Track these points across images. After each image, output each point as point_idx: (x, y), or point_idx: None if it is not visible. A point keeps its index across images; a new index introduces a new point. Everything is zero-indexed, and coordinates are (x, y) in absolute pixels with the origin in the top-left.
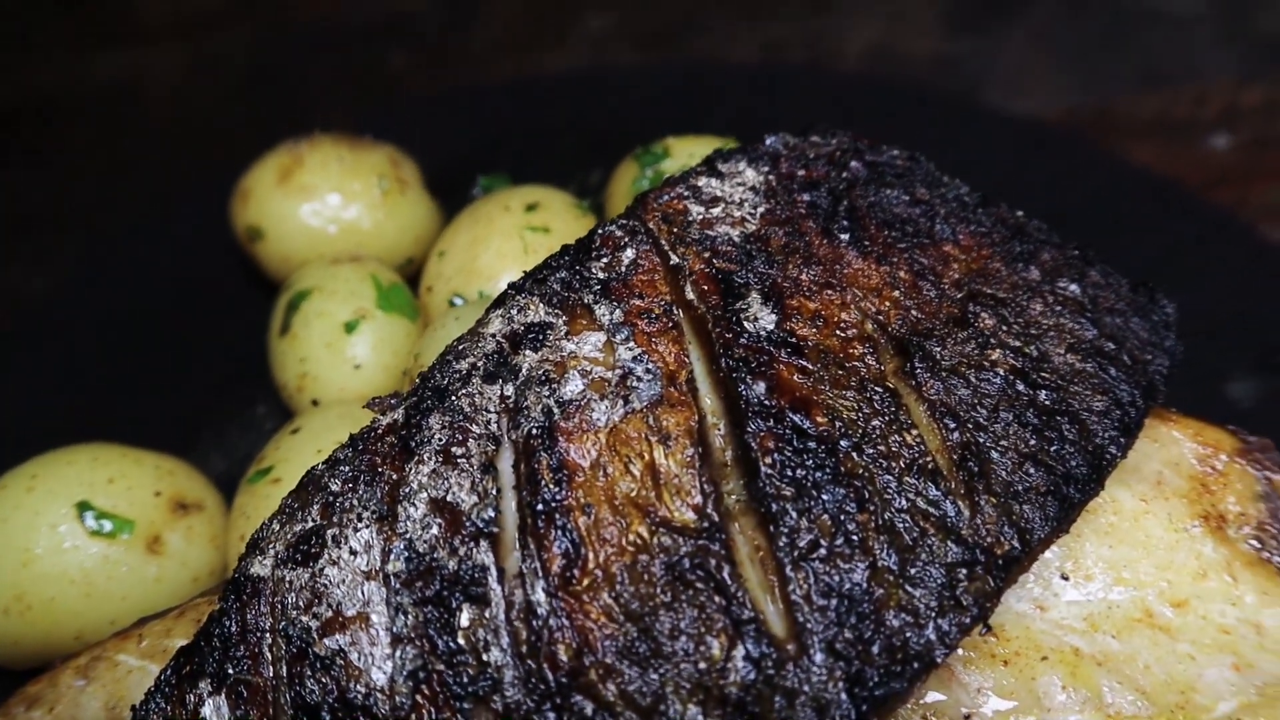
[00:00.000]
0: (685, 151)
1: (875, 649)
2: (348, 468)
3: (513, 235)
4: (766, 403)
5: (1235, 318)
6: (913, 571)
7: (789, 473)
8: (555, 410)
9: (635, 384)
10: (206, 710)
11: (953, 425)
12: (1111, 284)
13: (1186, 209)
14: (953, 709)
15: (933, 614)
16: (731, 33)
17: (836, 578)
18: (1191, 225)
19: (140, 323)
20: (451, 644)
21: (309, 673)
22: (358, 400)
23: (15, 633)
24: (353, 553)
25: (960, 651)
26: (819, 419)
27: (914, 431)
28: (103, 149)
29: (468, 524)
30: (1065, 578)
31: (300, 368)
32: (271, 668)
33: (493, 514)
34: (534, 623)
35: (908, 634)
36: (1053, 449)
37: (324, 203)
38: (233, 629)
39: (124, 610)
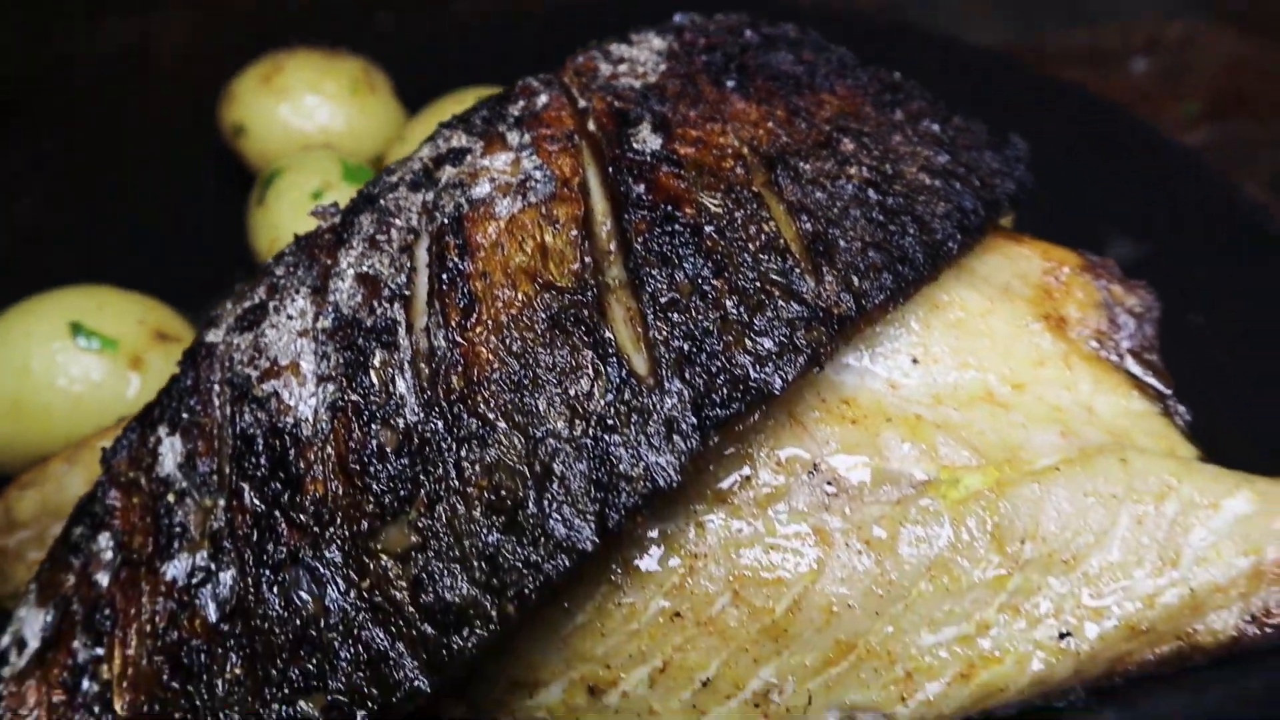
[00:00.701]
0: None
1: (721, 380)
2: (291, 257)
3: None
4: (644, 198)
5: (1134, 199)
6: (759, 323)
7: (656, 247)
8: (465, 206)
9: (533, 185)
10: (164, 448)
11: (806, 219)
12: (972, 128)
13: (1110, 118)
14: (803, 459)
15: (773, 355)
16: None
17: (692, 327)
18: (1114, 130)
19: (132, 211)
20: (364, 380)
21: (247, 410)
22: None
23: (11, 435)
24: (289, 317)
25: (814, 413)
26: (688, 210)
27: (771, 224)
28: (110, 114)
29: (385, 290)
30: (915, 361)
31: (272, 233)
32: (218, 411)
33: (405, 279)
34: (434, 362)
35: (750, 370)
36: (894, 239)
37: (300, 103)
38: (187, 383)
39: (107, 418)
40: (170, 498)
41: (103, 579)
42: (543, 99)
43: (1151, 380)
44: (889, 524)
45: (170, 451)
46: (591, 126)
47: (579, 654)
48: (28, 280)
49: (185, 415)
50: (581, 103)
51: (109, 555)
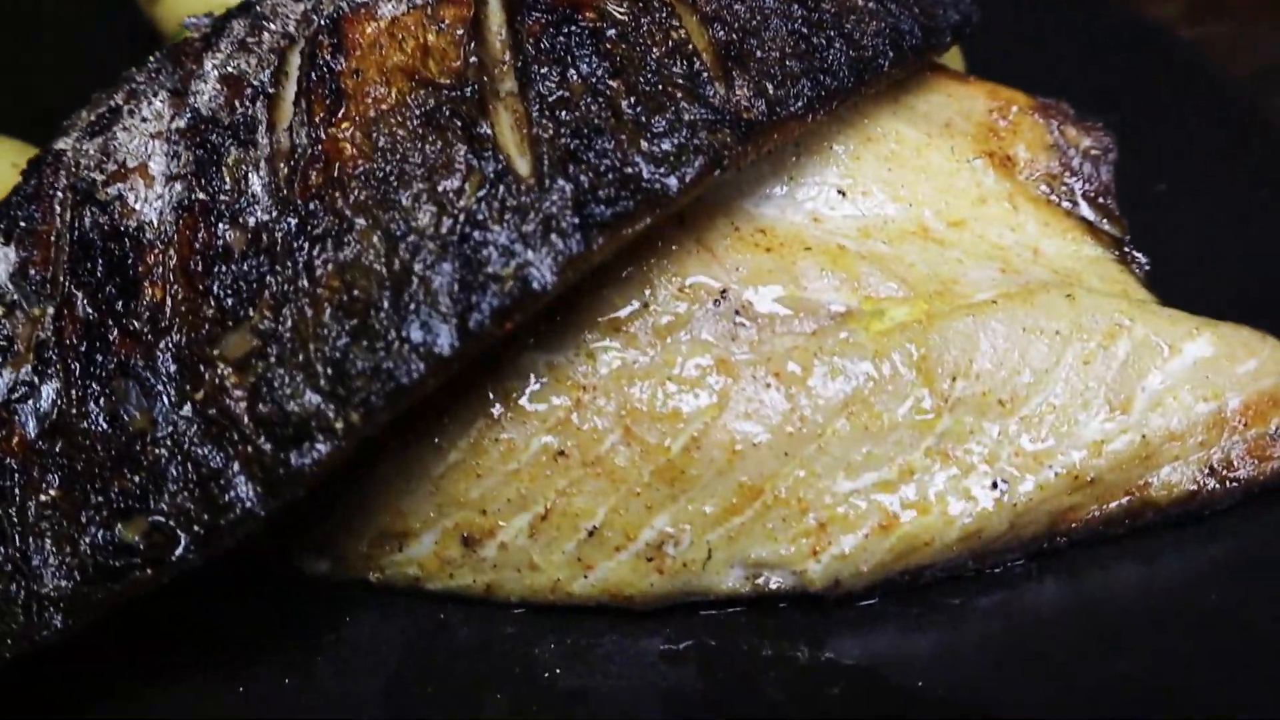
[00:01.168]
0: None
1: (610, 179)
2: (154, 64)
3: None
4: (541, 2)
5: (1098, 71)
6: (657, 125)
7: (548, 46)
8: (345, 9)
9: None
10: None
11: (720, 29)
12: None
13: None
14: (709, 286)
15: (670, 156)
16: None
17: (580, 125)
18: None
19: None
20: (215, 178)
21: (88, 214)
22: None
23: None
24: (144, 119)
25: (725, 240)
26: (589, 14)
27: (682, 30)
28: None
29: (248, 89)
30: (842, 193)
31: None
32: (58, 218)
33: (270, 77)
34: (293, 160)
35: (644, 169)
36: (817, 52)
37: None
38: (28, 190)
39: None
40: None
41: None
42: None
43: (1106, 226)
44: (802, 356)
45: (3, 262)
46: None
47: (452, 498)
48: None
49: (23, 224)
50: None
51: None
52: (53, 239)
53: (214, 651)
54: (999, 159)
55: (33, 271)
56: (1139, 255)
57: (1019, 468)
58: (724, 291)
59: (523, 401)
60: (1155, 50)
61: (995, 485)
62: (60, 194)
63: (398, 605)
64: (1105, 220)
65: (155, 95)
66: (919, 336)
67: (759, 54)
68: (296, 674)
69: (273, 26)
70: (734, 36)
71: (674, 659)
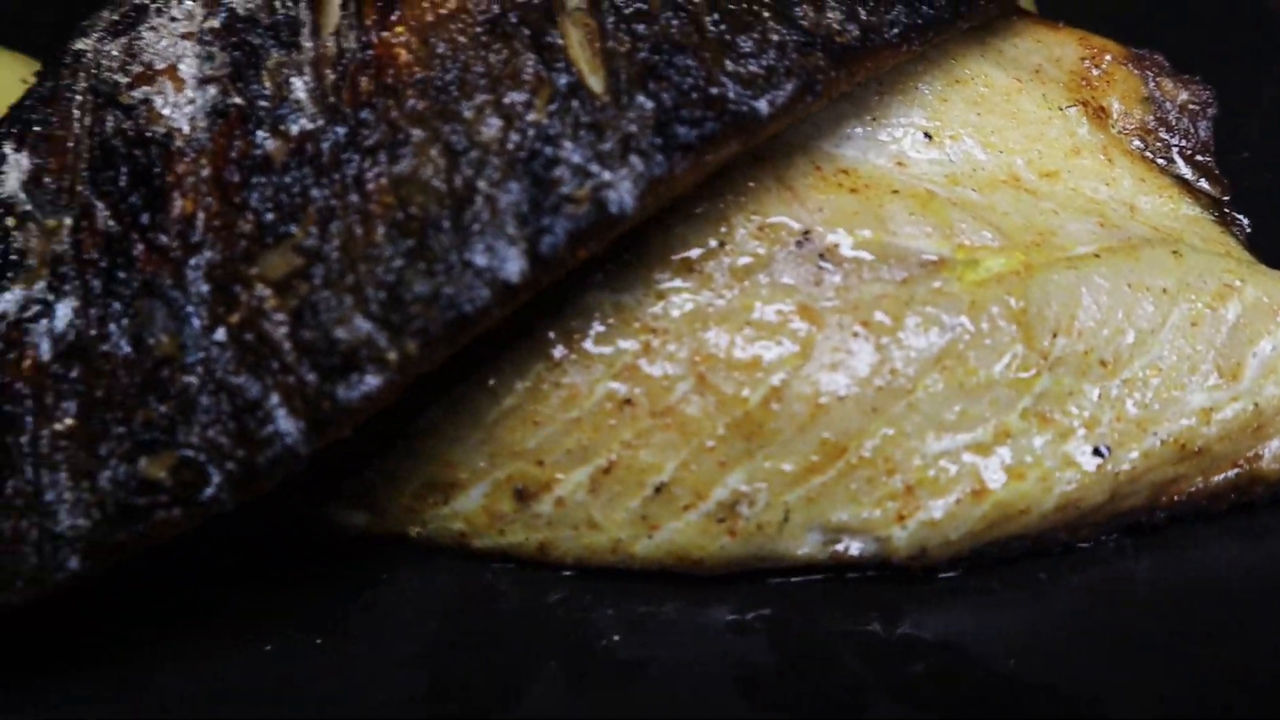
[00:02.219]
0: None
1: (695, 98)
2: None
3: None
4: None
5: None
6: (743, 44)
7: None
8: None
9: None
10: (7, 165)
11: None
12: None
13: None
14: (791, 227)
15: (759, 78)
16: None
17: (661, 40)
18: None
19: None
20: (254, 81)
21: (110, 118)
22: None
23: None
24: (173, 19)
25: (807, 179)
26: None
27: None
28: None
29: None
30: (928, 136)
31: None
32: (77, 122)
33: None
34: (341, 64)
35: (730, 90)
36: None
37: None
38: (44, 92)
39: None
40: (10, 221)
41: None
42: None
43: (1204, 185)
44: (892, 305)
45: (15, 169)
46: None
47: (506, 448)
48: None
49: (38, 128)
50: None
51: None
52: (70, 145)
53: (239, 606)
54: (1092, 109)
55: (48, 180)
56: (1240, 217)
57: (1122, 434)
58: (806, 233)
59: (587, 344)
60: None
61: (1097, 451)
62: (79, 97)
63: (440, 564)
64: (1204, 179)
65: None
66: (1018, 288)
67: None
68: (326, 634)
69: None
70: None
71: (743, 630)
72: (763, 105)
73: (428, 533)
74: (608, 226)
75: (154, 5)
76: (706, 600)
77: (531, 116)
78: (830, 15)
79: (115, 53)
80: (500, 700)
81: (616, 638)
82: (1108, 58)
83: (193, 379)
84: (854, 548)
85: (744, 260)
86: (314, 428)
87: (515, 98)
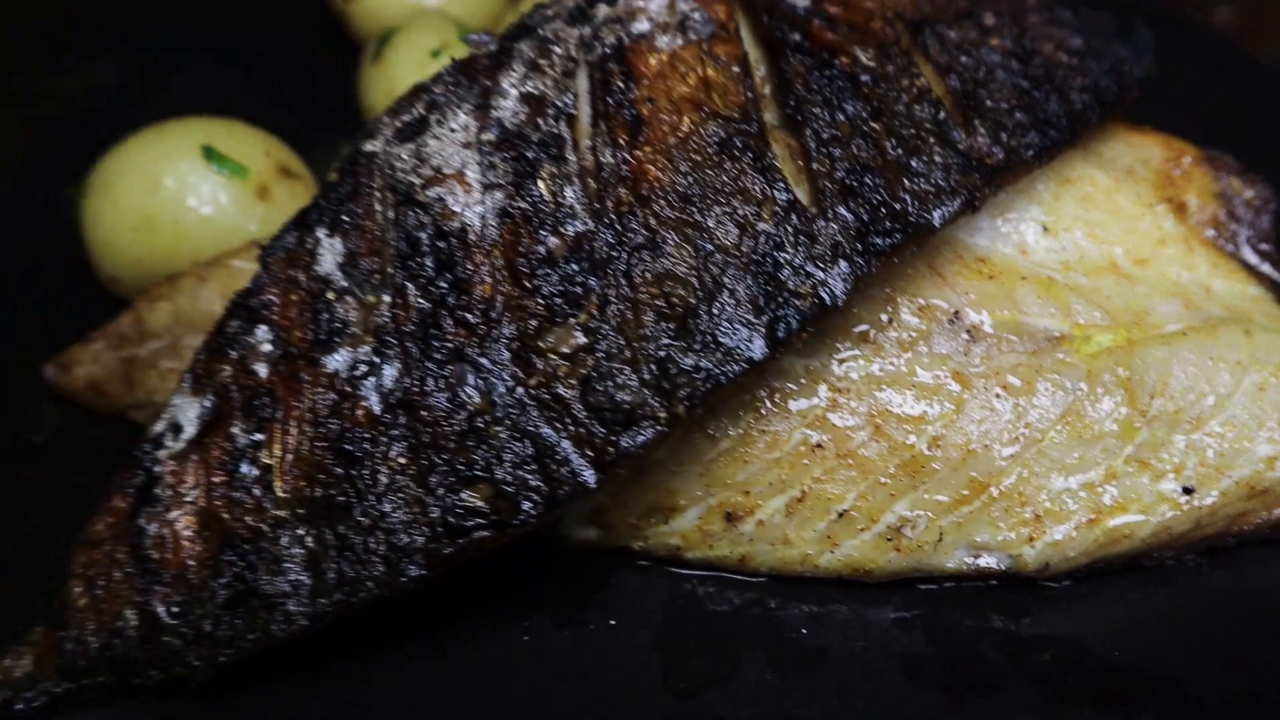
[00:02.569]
0: None
1: (884, 213)
2: (449, 78)
3: None
4: (802, 45)
5: (1231, 118)
6: (916, 165)
7: (817, 90)
8: (625, 39)
9: (692, 25)
10: (323, 248)
11: (954, 78)
12: (1099, 17)
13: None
14: (943, 307)
15: (931, 194)
16: None
17: (853, 163)
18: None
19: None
20: (534, 190)
21: (412, 213)
22: None
23: (139, 251)
24: (452, 130)
25: (953, 267)
26: (844, 60)
27: (922, 79)
28: None
29: (549, 108)
30: (1045, 230)
31: (388, 86)
32: (380, 215)
33: (572, 98)
34: (601, 177)
35: (909, 205)
36: (1038, 105)
37: None
38: (346, 189)
39: (233, 242)
40: (330, 295)
41: (261, 369)
42: None
43: (1267, 269)
44: (1025, 372)
45: (330, 251)
46: None
47: (719, 480)
48: (142, 117)
49: (345, 218)
50: None
51: (267, 348)
52: (377, 234)
53: (499, 604)
54: (1175, 205)
55: (361, 263)
56: None
57: (1203, 476)
58: (956, 313)
59: (787, 398)
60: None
61: (1185, 490)
62: (379, 193)
63: (654, 571)
64: (1266, 263)
65: (459, 108)
66: (1124, 360)
67: (989, 103)
68: (570, 625)
69: (558, 50)
70: (967, 86)
71: (904, 626)
72: (937, 217)
73: (648, 546)
74: (825, 314)
75: (433, 116)
76: (872, 601)
77: (761, 226)
78: (980, 140)
79: (405, 157)
80: (719, 679)
81: (804, 631)
82: (1186, 159)
83: (502, 429)
84: (992, 562)
85: (908, 334)
86: (600, 468)
87: (747, 210)
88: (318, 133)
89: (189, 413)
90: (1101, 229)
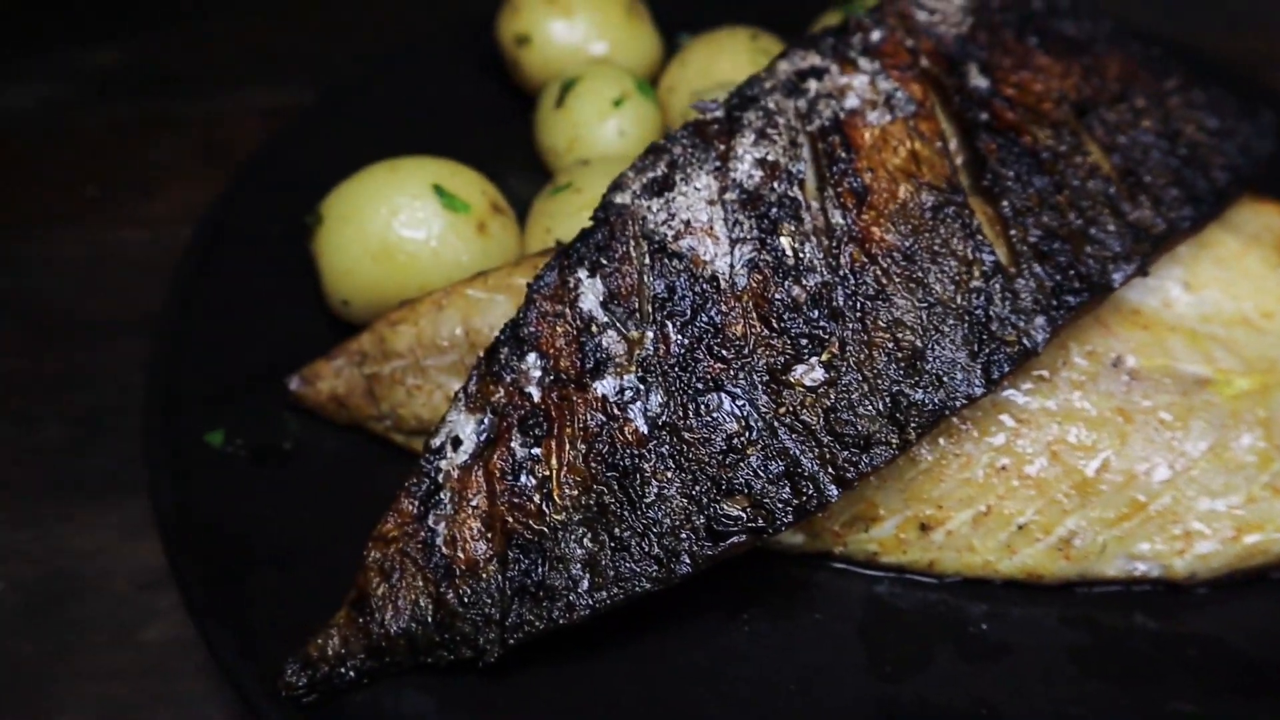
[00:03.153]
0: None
1: (1072, 274)
2: (685, 140)
3: (740, 54)
4: (991, 124)
5: None
6: (1094, 233)
7: (1009, 166)
8: (840, 113)
9: (896, 103)
10: (584, 288)
11: (1119, 158)
12: (1226, 97)
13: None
14: (1106, 353)
15: (1109, 259)
16: None
17: (1045, 232)
18: None
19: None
20: (776, 244)
21: (666, 260)
22: (619, 160)
23: (375, 278)
24: (696, 189)
25: (1114, 317)
26: (1026, 139)
27: (1090, 156)
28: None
29: (782, 173)
30: (1187, 286)
31: (571, 133)
32: (635, 260)
33: (802, 167)
34: (832, 236)
35: (1093, 271)
36: (1187, 181)
37: (579, 20)
38: (602, 236)
39: (459, 271)
40: (594, 329)
41: (534, 392)
42: (876, 35)
43: None
44: (1178, 410)
45: (591, 291)
46: (925, 63)
47: (917, 495)
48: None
49: (604, 262)
50: (909, 42)
51: (537, 374)
52: (633, 278)
53: (718, 602)
54: None
55: (621, 303)
56: None
57: None
58: (1118, 358)
59: (976, 428)
60: None
61: None
62: (632, 241)
63: (851, 573)
64: None
65: (700, 169)
66: (1261, 402)
67: (1148, 179)
68: (782, 619)
69: (781, 120)
70: (1128, 164)
71: (1069, 623)
72: (1117, 280)
73: (848, 551)
74: (1027, 359)
75: (677, 175)
76: (1039, 602)
77: (973, 284)
78: (1144, 213)
79: (656, 210)
80: (917, 665)
81: (984, 626)
82: None
83: (756, 449)
84: (1147, 570)
85: (1078, 375)
86: (841, 484)
87: (959, 269)
88: (498, 169)
89: (466, 428)
90: (1234, 287)
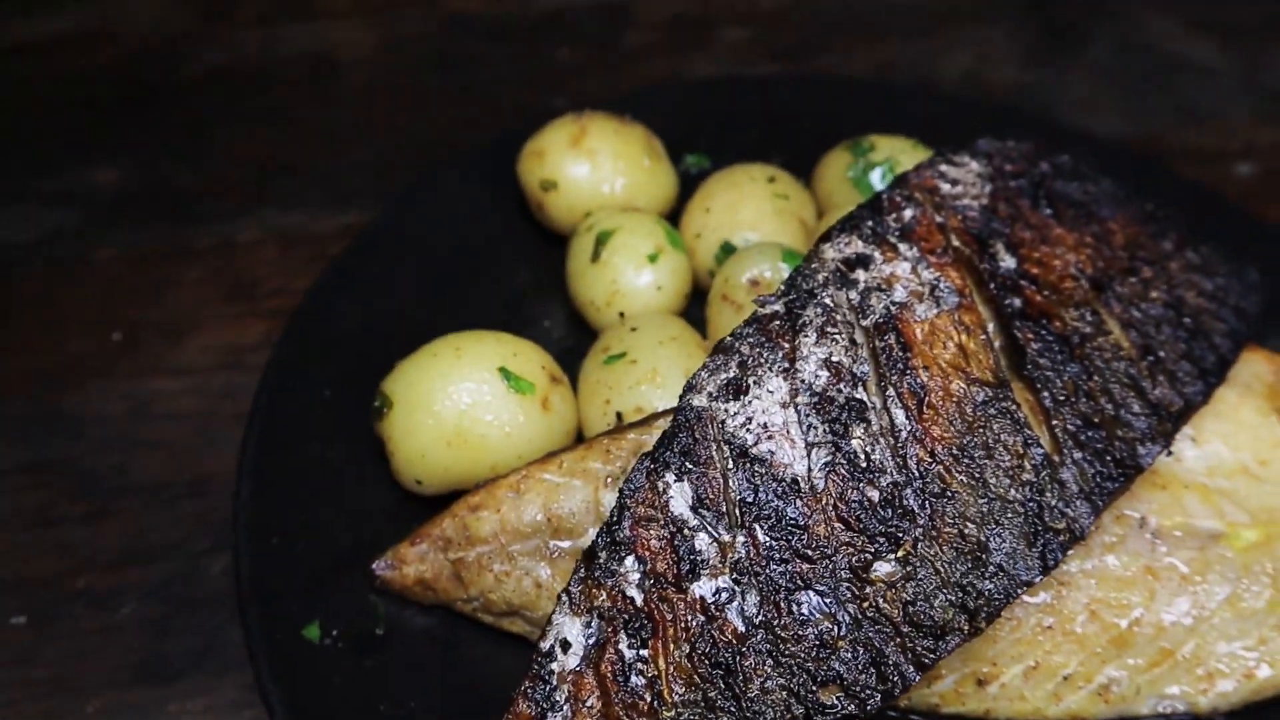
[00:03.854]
0: (886, 146)
1: (1109, 459)
2: (751, 338)
3: (762, 199)
4: (1024, 311)
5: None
6: (1124, 416)
7: (1044, 356)
8: (892, 307)
9: (941, 294)
10: (673, 492)
11: (1136, 334)
12: (1217, 254)
13: (1231, 216)
14: (1132, 515)
15: (1137, 441)
16: (849, 52)
17: (1080, 419)
18: (1236, 228)
19: (445, 255)
20: (848, 447)
21: (749, 464)
22: (658, 312)
23: (451, 461)
24: (770, 391)
25: (1136, 481)
26: (1056, 324)
27: (1112, 336)
28: (319, 111)
29: (847, 374)
30: (1194, 440)
31: (611, 287)
32: (719, 463)
33: (866, 369)
34: (899, 435)
35: (1126, 452)
36: (1196, 353)
37: (603, 164)
38: (687, 440)
39: (528, 450)
40: (686, 532)
41: (635, 595)
42: (909, 213)
43: None
44: (1198, 565)
45: (680, 495)
46: (956, 242)
47: (974, 655)
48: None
49: (690, 466)
50: (938, 219)
51: (636, 576)
52: (720, 482)
53: None
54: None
55: (709, 506)
56: None
57: None
58: (1143, 519)
59: (1025, 592)
60: None
61: None
62: (714, 445)
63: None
64: None
65: (770, 370)
66: (1268, 553)
67: (1162, 353)
68: None
69: (837, 317)
70: (1145, 341)
71: None
72: (1146, 461)
73: (911, 704)
74: (1076, 544)
75: (750, 378)
76: None
77: (1025, 477)
78: (1162, 391)
79: (734, 412)
80: None
81: None
82: None
83: (845, 642)
84: (1174, 707)
85: (1110, 538)
86: (920, 669)
87: (1011, 463)
88: (538, 312)
89: (572, 630)
90: (1234, 438)
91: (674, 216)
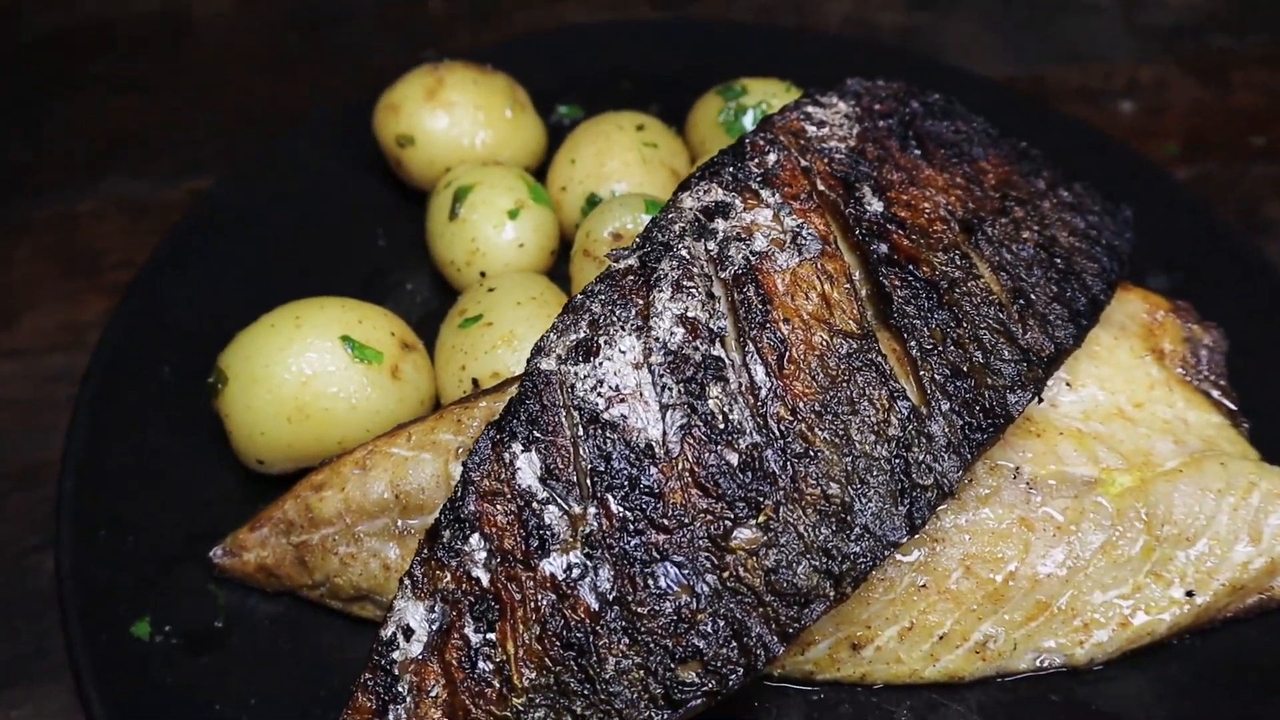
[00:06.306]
0: (759, 90)
1: (978, 409)
2: (603, 295)
3: (630, 149)
4: (890, 257)
5: (1147, 233)
6: (994, 364)
7: (912, 302)
8: (751, 258)
9: (803, 242)
10: (520, 463)
11: (1006, 277)
12: (1090, 193)
13: (1113, 153)
14: (1008, 466)
15: (1007, 389)
16: None
17: (948, 368)
18: (1118, 166)
19: (294, 222)
20: (704, 408)
21: (600, 431)
22: (521, 271)
23: (293, 438)
24: (621, 352)
25: (1011, 429)
26: (924, 270)
27: (982, 280)
28: (171, 74)
29: (704, 330)
30: (1069, 385)
31: (470, 246)
32: (569, 431)
33: (724, 324)
34: (759, 393)
35: (995, 401)
36: (1068, 295)
37: (462, 117)
38: (534, 407)
39: (377, 423)
40: (535, 506)
41: (482, 576)
42: (772, 157)
43: (1224, 400)
44: (1072, 514)
45: (528, 466)
46: (821, 187)
47: (847, 619)
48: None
49: (538, 435)
50: (803, 163)
51: (482, 555)
52: (569, 450)
53: None
54: (1156, 353)
55: (560, 477)
56: (1245, 421)
57: (1198, 582)
58: (1018, 469)
59: (897, 552)
60: (1180, 205)
61: (1189, 594)
62: (564, 411)
63: (787, 689)
64: (1223, 396)
65: (622, 329)
66: (1141, 498)
67: (1033, 296)
68: None
69: (694, 269)
70: (1016, 284)
71: (988, 712)
72: (1015, 410)
73: (785, 672)
74: (945, 500)
75: (601, 338)
76: (958, 696)
77: (891, 432)
78: (1033, 336)
79: (584, 376)
80: None
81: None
82: (1160, 312)
83: (704, 615)
84: (1053, 661)
85: (984, 490)
86: (784, 639)
87: (878, 419)
88: (396, 279)
89: (416, 616)
90: (1109, 381)
91: (544, 171)
